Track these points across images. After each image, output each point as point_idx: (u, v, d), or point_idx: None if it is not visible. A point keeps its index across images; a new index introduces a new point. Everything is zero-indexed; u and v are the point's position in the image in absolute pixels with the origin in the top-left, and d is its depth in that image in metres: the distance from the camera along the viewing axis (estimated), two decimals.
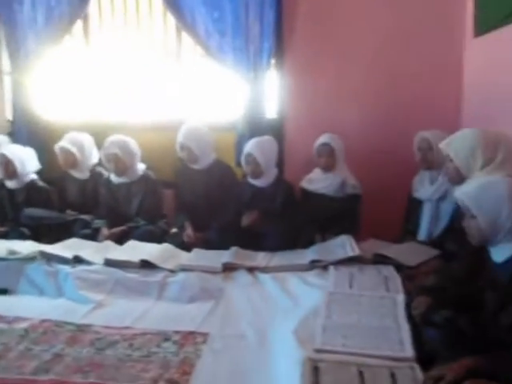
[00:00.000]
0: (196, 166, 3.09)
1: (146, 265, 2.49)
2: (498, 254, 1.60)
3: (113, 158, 3.04)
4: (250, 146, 2.90)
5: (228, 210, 2.95)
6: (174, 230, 3.11)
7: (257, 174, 2.91)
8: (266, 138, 2.99)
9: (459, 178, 2.04)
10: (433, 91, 3.21)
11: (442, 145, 2.14)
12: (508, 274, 1.55)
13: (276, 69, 3.38)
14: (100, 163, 3.30)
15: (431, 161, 2.57)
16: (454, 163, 2.07)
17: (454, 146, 2.09)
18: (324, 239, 2.76)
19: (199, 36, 3.32)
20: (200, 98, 3.61)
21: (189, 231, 2.91)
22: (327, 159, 2.88)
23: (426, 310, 1.70)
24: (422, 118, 3.14)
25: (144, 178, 3.16)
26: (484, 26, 2.77)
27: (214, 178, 3.07)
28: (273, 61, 3.35)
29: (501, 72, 2.58)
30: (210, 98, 3.61)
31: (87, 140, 3.29)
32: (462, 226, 1.69)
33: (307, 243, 2.73)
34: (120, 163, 3.05)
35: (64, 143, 3.20)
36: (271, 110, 3.43)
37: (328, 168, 2.90)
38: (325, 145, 2.88)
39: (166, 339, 1.91)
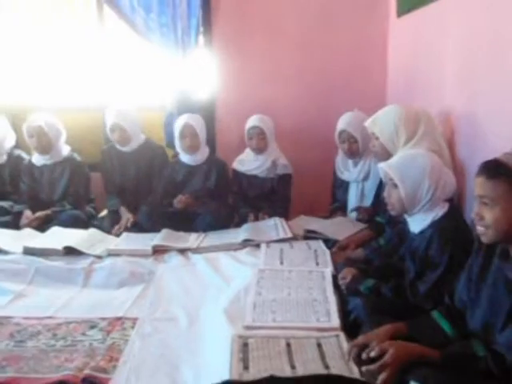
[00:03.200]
0: (126, 148, 2.96)
1: (70, 252, 2.37)
2: (415, 225, 1.68)
3: (37, 131, 2.84)
4: (185, 118, 2.83)
5: (156, 191, 2.87)
6: (103, 214, 2.99)
7: (194, 147, 2.84)
8: (195, 115, 2.93)
9: (386, 155, 2.10)
10: (359, 70, 3.29)
11: (367, 123, 2.19)
12: (424, 244, 1.63)
13: (205, 47, 3.31)
14: (18, 146, 3.08)
15: (357, 151, 2.60)
16: (379, 140, 2.14)
17: (379, 123, 2.15)
18: (257, 219, 2.76)
19: (123, 11, 3.16)
20: (127, 77, 3.46)
21: (126, 216, 2.80)
22: (258, 141, 2.86)
23: (352, 280, 1.76)
24: (348, 96, 3.20)
25: (69, 159, 3.00)
26: (406, 5, 2.86)
27: (145, 160, 2.96)
28: (201, 39, 3.27)
29: (422, 51, 2.67)
30: (137, 77, 3.47)
31: (0, 122, 3.05)
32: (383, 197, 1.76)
33: (240, 223, 2.73)
34: (44, 138, 2.86)
35: None
36: (202, 90, 3.36)
37: (259, 150, 2.89)
38: (255, 128, 2.85)
39: (92, 327, 1.83)
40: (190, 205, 2.79)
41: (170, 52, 3.22)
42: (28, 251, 2.35)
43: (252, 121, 2.86)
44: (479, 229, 1.21)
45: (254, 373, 1.33)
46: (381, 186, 2.41)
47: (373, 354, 1.26)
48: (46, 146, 2.90)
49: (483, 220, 1.18)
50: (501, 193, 1.15)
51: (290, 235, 2.43)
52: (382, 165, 1.73)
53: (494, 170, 1.16)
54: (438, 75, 2.43)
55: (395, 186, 1.66)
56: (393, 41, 3.20)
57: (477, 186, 1.21)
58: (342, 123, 2.59)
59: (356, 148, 2.58)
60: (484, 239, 1.21)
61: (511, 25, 1.73)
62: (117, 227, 2.74)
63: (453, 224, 1.62)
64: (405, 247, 1.77)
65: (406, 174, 1.65)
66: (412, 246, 1.69)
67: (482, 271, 1.27)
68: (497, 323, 1.18)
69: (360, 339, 1.37)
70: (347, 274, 1.79)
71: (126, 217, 2.80)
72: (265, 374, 1.31)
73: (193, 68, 3.27)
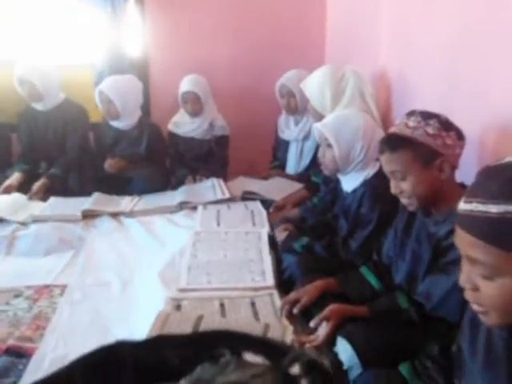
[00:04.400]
0: (40, 107, 2.76)
1: None
2: (348, 184, 1.71)
3: None
4: (103, 84, 2.67)
5: (73, 152, 2.74)
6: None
7: (112, 115, 2.69)
8: (126, 76, 2.77)
9: (318, 116, 2.10)
10: (298, 29, 3.24)
11: (302, 86, 2.18)
12: (356, 203, 1.66)
13: (136, 3, 3.11)
14: None
15: (295, 107, 2.59)
16: (310, 102, 2.14)
17: (308, 85, 2.15)
18: (194, 181, 2.71)
19: None
20: (53, 32, 3.20)
21: (12, 181, 2.59)
22: (193, 106, 2.75)
23: (287, 238, 1.77)
24: (289, 56, 3.15)
25: None
26: None
27: (61, 120, 2.76)
28: None
29: (359, 9, 2.66)
30: (62, 32, 3.21)
31: None
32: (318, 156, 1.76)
33: (177, 186, 2.66)
34: None
35: None
36: (134, 48, 3.18)
37: (194, 114, 2.79)
38: (188, 92, 2.73)
39: (17, 295, 1.72)
40: (122, 168, 2.67)
41: (98, 6, 3.01)
42: None
43: (185, 85, 2.73)
44: (403, 201, 1.25)
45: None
46: (318, 147, 2.43)
47: (312, 323, 1.29)
48: None
49: (403, 193, 1.22)
50: (407, 162, 1.18)
51: (227, 195, 2.40)
52: (316, 125, 1.73)
53: (394, 143, 1.20)
54: (373, 35, 2.43)
55: (329, 146, 1.67)
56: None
57: (384, 164, 1.24)
58: (283, 78, 2.60)
59: (294, 103, 2.57)
60: (411, 208, 1.25)
61: None
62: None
63: (383, 183, 1.65)
64: (338, 206, 1.81)
65: (340, 134, 1.66)
66: (345, 204, 1.72)
67: (406, 227, 1.32)
68: (419, 275, 1.23)
69: (291, 295, 1.39)
70: (283, 230, 1.80)
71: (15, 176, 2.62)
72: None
73: (123, 24, 3.07)
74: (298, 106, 2.58)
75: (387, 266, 1.40)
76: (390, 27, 2.23)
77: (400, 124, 1.21)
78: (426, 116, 1.18)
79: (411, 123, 1.18)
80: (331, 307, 1.27)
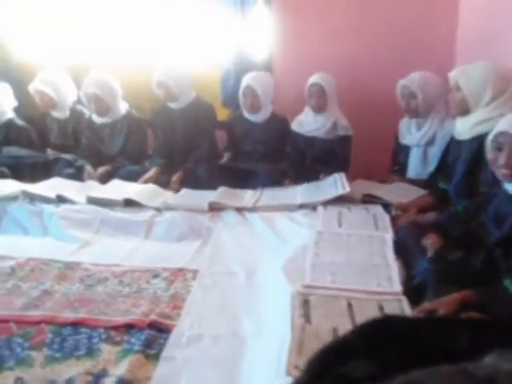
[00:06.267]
0: (174, 105, 2.99)
1: (130, 203, 2.46)
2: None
3: (93, 98, 2.92)
4: (248, 79, 2.84)
5: (202, 147, 2.95)
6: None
7: (254, 107, 2.86)
8: (263, 72, 2.94)
9: (464, 109, 2.01)
10: (426, 26, 3.11)
11: (453, 73, 2.06)
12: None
13: (264, 4, 3.23)
14: (80, 101, 3.17)
15: (416, 109, 2.50)
16: (462, 92, 2.02)
17: (468, 74, 2.02)
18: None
19: None
20: (182, 34, 3.44)
21: (150, 174, 2.85)
22: (318, 99, 2.79)
23: (439, 248, 1.67)
24: (414, 57, 3.05)
25: (127, 116, 3.06)
26: None
27: (193, 117, 2.99)
28: None
29: (497, 10, 2.49)
30: (194, 35, 3.44)
31: (61, 78, 3.12)
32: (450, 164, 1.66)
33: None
34: (101, 103, 2.94)
35: (37, 84, 3.04)
36: (260, 48, 3.31)
37: (319, 108, 2.82)
38: (315, 85, 2.79)
39: (155, 276, 1.91)
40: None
41: (229, 9, 3.17)
42: (91, 200, 2.45)
43: (313, 78, 2.81)
44: None
45: (315, 327, 1.35)
46: (446, 152, 2.32)
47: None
48: (103, 110, 2.98)
49: None
50: None
51: (348, 190, 2.37)
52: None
53: None
54: None
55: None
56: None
57: None
58: (405, 79, 2.53)
59: (415, 105, 2.49)
60: None
61: None
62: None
63: None
64: (489, 212, 1.67)
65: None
66: (500, 210, 1.59)
67: None
68: None
69: (426, 305, 1.35)
70: (434, 240, 1.70)
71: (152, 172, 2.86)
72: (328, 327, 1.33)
73: (251, 25, 3.21)
74: (418, 109, 2.49)
75: None
76: None
77: None
78: None
79: None
80: None
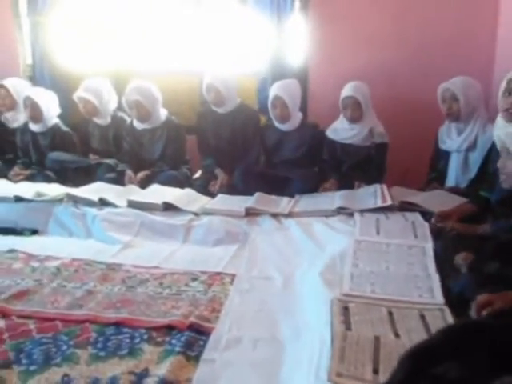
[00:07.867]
0: (220, 110, 3.05)
1: (168, 207, 2.51)
2: None
3: (135, 104, 3.00)
4: (276, 89, 2.84)
5: (251, 154, 2.94)
6: (197, 175, 3.12)
7: (284, 117, 2.86)
8: (291, 80, 2.94)
9: None
10: (464, 33, 3.07)
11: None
12: None
13: (301, 12, 3.25)
14: (120, 108, 3.27)
15: (457, 113, 2.46)
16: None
17: None
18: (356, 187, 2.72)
19: None
20: (223, 43, 3.51)
21: (222, 176, 2.95)
22: (353, 112, 2.78)
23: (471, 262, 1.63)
24: (451, 62, 3.01)
25: (167, 123, 3.13)
26: None
27: (239, 122, 3.04)
28: (297, 4, 3.22)
29: None
30: (233, 43, 3.50)
31: (104, 85, 3.23)
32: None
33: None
34: (142, 110, 3.02)
35: (80, 92, 3.15)
36: (295, 56, 3.33)
37: (353, 120, 2.81)
38: (349, 97, 2.76)
39: (194, 279, 1.94)
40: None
41: (266, 17, 3.21)
42: (131, 204, 2.52)
43: (347, 90, 2.78)
44: None
45: (357, 335, 1.34)
46: (487, 158, 2.27)
47: None
48: (144, 116, 3.06)
49: None
50: None
51: (389, 202, 2.34)
52: None
53: None
54: None
55: None
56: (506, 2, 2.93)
57: None
58: (447, 82, 2.50)
59: (457, 108, 2.45)
60: None
61: None
62: (212, 183, 2.90)
63: None
64: None
65: None
66: None
67: None
68: None
69: (483, 297, 1.31)
70: (464, 257, 1.65)
71: (222, 176, 2.93)
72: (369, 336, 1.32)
73: (288, 33, 3.24)
74: (460, 112, 2.45)
75: None
76: None
77: None
78: None
79: None
80: None
